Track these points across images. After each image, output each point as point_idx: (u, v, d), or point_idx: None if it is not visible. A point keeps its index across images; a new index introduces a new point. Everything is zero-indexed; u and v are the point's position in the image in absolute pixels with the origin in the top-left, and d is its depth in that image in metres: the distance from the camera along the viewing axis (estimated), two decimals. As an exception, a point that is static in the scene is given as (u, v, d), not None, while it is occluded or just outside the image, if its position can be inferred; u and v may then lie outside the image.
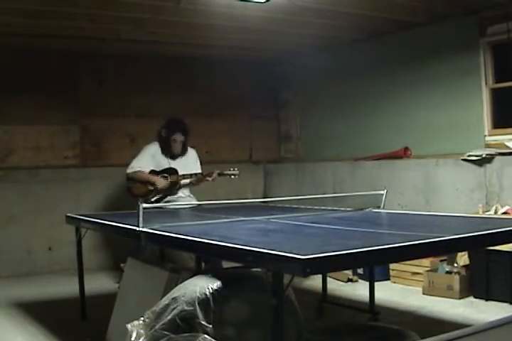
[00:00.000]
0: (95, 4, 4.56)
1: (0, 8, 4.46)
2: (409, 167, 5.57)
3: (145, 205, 3.19)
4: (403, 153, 5.74)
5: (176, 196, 5.19)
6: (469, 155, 4.98)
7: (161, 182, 5.07)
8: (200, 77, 6.83)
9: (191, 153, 5.34)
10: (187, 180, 5.14)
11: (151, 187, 5.10)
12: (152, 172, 5.16)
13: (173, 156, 5.22)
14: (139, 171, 5.13)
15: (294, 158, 7.31)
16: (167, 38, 5.86)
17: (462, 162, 5.05)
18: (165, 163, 5.19)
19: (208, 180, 5.07)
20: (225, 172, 5.12)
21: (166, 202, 5.12)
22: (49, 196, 6.11)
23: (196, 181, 5.17)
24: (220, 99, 6.99)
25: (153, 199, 5.11)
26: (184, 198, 5.19)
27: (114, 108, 6.45)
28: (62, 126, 6.22)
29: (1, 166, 5.92)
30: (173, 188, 5.13)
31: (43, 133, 6.13)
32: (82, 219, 3.96)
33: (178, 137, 5.17)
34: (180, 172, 5.12)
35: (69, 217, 4.16)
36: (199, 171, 5.18)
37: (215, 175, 5.05)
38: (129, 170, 5.16)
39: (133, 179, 5.17)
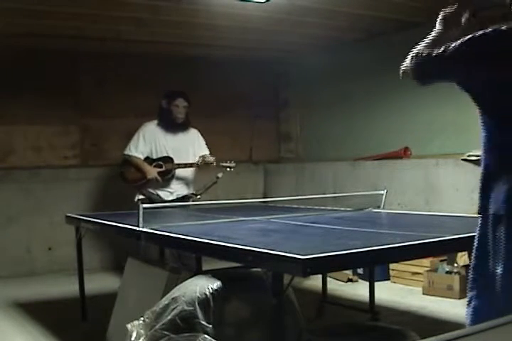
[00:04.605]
0: (95, 4, 4.56)
1: (0, 8, 4.46)
2: (409, 167, 5.56)
3: (145, 205, 3.20)
4: (403, 153, 5.73)
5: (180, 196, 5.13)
6: (469, 155, 4.98)
7: (150, 173, 4.98)
8: (200, 76, 6.82)
9: (194, 133, 5.25)
10: (181, 170, 5.02)
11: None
12: (147, 159, 5.08)
13: (174, 127, 5.12)
14: (135, 157, 5.08)
15: (294, 158, 7.31)
16: (167, 38, 5.86)
17: (462, 162, 5.05)
18: (163, 141, 5.09)
19: (208, 165, 4.98)
20: (222, 164, 5.09)
21: (170, 201, 5.04)
22: (49, 196, 6.11)
23: (198, 168, 5.06)
24: (220, 99, 6.97)
25: (169, 198, 5.03)
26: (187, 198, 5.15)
27: (114, 108, 6.44)
28: (62, 126, 6.22)
29: (1, 166, 5.91)
30: (164, 177, 5.01)
31: (43, 133, 6.12)
32: (82, 219, 3.96)
33: (181, 103, 5.11)
34: (180, 151, 5.05)
35: (69, 217, 4.16)
36: (204, 153, 5.09)
37: (213, 160, 4.96)
38: (126, 152, 5.12)
39: (128, 162, 5.13)
